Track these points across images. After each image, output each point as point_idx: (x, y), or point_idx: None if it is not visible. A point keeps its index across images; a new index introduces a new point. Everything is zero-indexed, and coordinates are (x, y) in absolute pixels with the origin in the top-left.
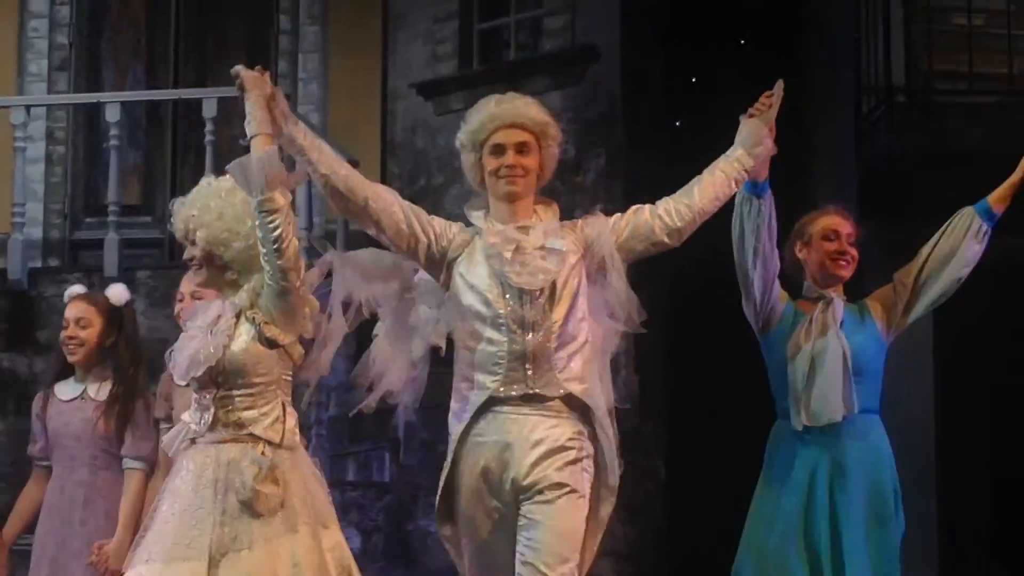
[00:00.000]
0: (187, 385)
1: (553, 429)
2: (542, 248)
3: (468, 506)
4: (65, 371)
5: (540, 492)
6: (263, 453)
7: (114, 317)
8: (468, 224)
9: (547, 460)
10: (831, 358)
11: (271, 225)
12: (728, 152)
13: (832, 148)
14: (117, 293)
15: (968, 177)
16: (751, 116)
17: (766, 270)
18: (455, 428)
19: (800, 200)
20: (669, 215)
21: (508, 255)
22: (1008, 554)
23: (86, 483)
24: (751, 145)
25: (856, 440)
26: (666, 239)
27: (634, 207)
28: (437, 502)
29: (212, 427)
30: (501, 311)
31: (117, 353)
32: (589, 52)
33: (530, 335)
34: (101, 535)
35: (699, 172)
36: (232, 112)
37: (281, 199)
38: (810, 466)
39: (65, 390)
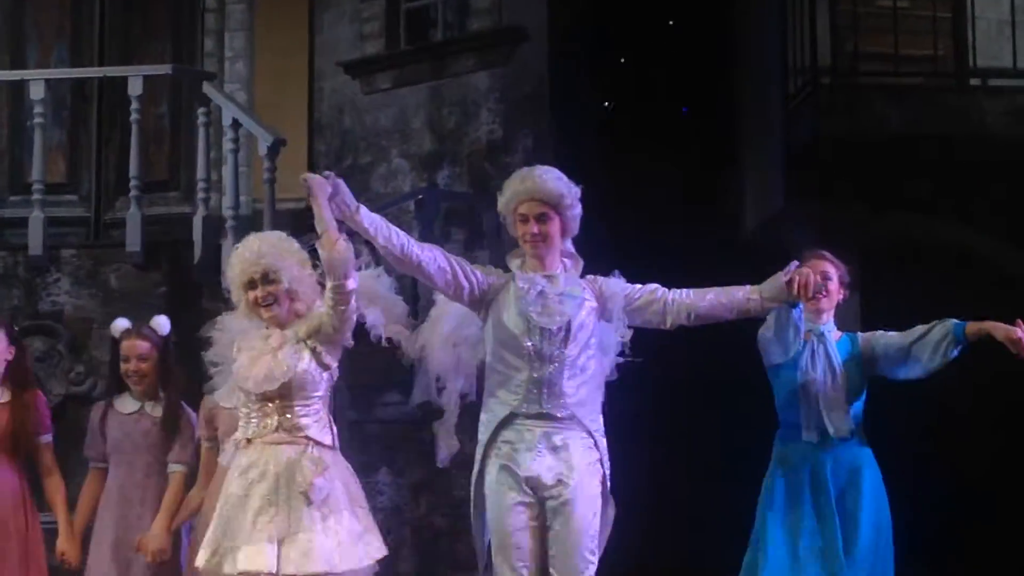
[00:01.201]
0: (232, 408)
1: (566, 439)
2: (562, 294)
3: (493, 500)
4: (120, 387)
5: (558, 492)
6: (314, 453)
7: (165, 348)
8: (507, 270)
9: (562, 463)
10: (833, 386)
11: (343, 299)
12: (751, 289)
13: (758, 129)
14: (162, 324)
15: (893, 158)
16: (787, 280)
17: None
18: (483, 434)
19: (726, 180)
20: (676, 306)
21: (533, 298)
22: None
23: (142, 485)
24: (770, 299)
25: (846, 448)
26: (661, 322)
27: (652, 286)
28: (472, 491)
29: (275, 430)
30: (525, 344)
31: (166, 377)
32: (516, 32)
33: (547, 365)
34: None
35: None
36: (158, 90)
37: (352, 284)
38: (817, 465)
39: (125, 405)
